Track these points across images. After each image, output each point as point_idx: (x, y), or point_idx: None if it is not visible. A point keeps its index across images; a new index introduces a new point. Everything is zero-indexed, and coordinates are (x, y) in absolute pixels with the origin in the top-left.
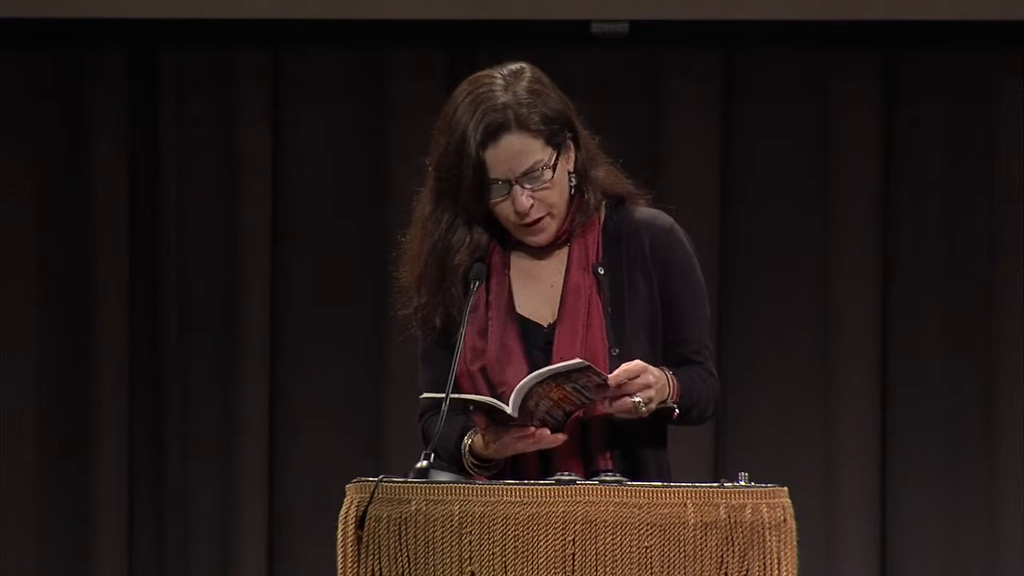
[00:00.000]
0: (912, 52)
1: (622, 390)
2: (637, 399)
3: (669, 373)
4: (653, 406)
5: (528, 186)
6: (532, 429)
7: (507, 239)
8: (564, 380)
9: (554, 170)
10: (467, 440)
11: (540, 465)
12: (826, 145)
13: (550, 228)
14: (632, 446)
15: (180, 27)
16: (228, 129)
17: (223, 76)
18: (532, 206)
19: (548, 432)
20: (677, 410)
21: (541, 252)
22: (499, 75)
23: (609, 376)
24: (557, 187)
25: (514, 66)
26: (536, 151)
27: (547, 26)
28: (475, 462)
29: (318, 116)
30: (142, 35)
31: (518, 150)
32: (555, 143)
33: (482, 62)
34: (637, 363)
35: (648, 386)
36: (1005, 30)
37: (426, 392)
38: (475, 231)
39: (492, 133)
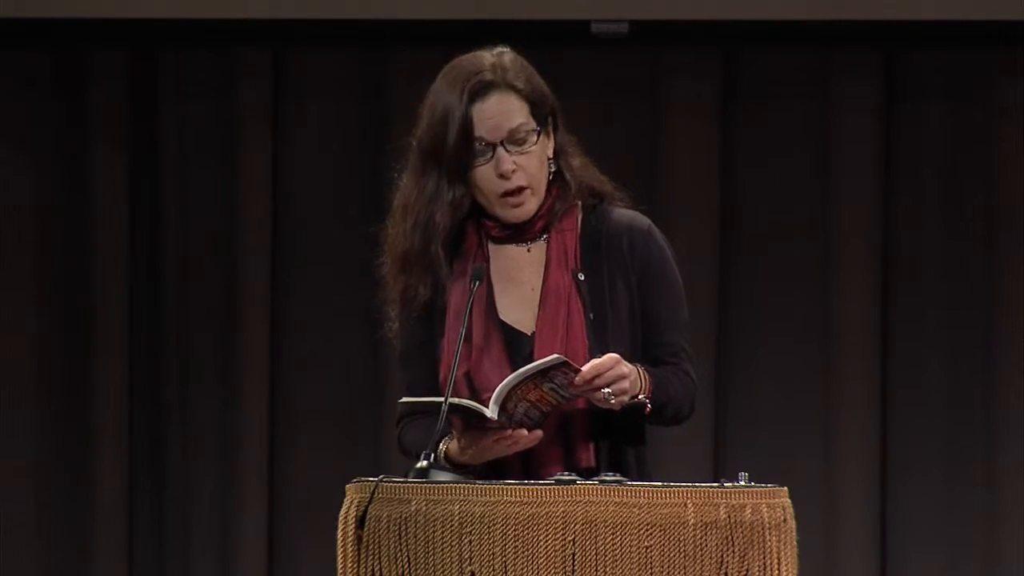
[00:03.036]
0: (912, 52)
1: (594, 384)
2: (607, 390)
3: (642, 369)
4: (626, 399)
5: (512, 148)
6: (509, 432)
7: (484, 238)
8: (542, 379)
9: (537, 137)
10: (443, 446)
11: (521, 462)
12: (826, 145)
13: (529, 203)
14: (613, 443)
15: (180, 27)
16: (228, 129)
17: (223, 76)
18: (514, 172)
19: (525, 433)
20: (649, 405)
21: (521, 252)
22: (483, 52)
23: (582, 369)
24: (538, 159)
25: (498, 48)
26: (522, 114)
27: (547, 26)
28: (451, 469)
29: (318, 116)
30: (142, 35)
31: (505, 109)
32: (539, 116)
33: None
34: (609, 357)
35: (622, 376)
36: (1005, 30)
37: (404, 397)
38: (457, 190)
39: (481, 90)
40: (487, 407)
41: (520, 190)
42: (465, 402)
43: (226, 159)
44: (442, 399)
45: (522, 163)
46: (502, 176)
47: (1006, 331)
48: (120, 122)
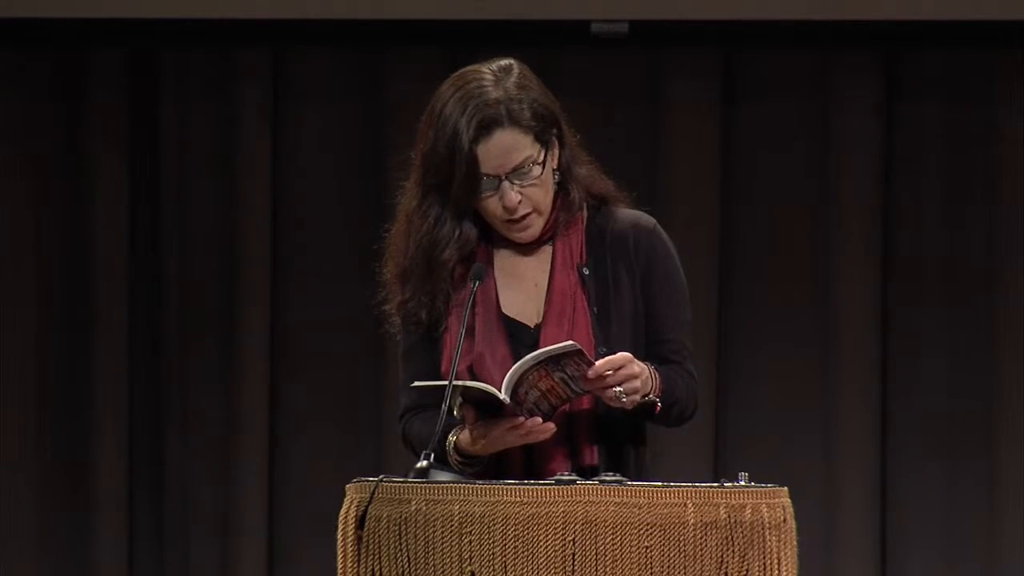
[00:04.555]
0: (912, 52)
1: (606, 380)
2: (618, 389)
3: (652, 368)
4: (637, 398)
5: (516, 182)
6: (522, 419)
7: (490, 236)
8: (554, 367)
9: (543, 167)
10: (452, 437)
11: (525, 461)
12: (826, 145)
13: (536, 225)
14: (616, 442)
15: (180, 27)
16: (228, 129)
17: (223, 76)
18: (520, 202)
19: (539, 421)
20: (659, 405)
21: (525, 250)
22: (488, 71)
23: (595, 364)
24: (544, 185)
25: (503, 62)
26: (526, 147)
27: (547, 26)
28: (460, 459)
29: (318, 116)
30: (142, 35)
31: (510, 146)
32: (543, 140)
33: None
34: (622, 355)
35: (634, 376)
36: (1005, 30)
37: (403, 393)
38: (464, 226)
39: (485, 128)
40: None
41: (525, 216)
42: (476, 384)
43: (226, 159)
44: (462, 382)
45: (528, 193)
46: (507, 209)
47: (1006, 331)
48: (120, 122)
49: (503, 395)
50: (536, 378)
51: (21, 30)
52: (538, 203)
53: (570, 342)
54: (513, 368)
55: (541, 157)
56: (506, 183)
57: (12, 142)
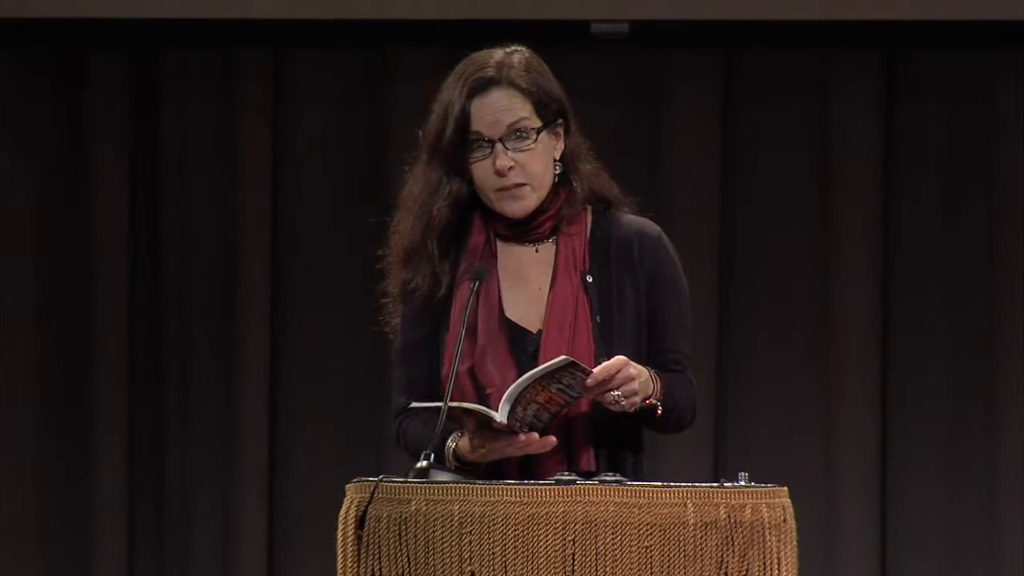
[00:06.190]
0: (912, 52)
1: (604, 386)
2: (617, 393)
3: (653, 372)
4: (637, 400)
5: (510, 146)
6: (522, 436)
7: (494, 229)
8: (549, 381)
9: (538, 135)
10: (451, 443)
11: (520, 466)
12: (826, 145)
13: (529, 199)
14: (613, 447)
15: (180, 27)
16: (228, 129)
17: (223, 76)
18: (512, 168)
19: (538, 437)
20: (660, 408)
21: (529, 251)
22: (496, 49)
23: (592, 371)
24: (540, 158)
25: (514, 46)
26: (523, 110)
27: (547, 26)
28: (458, 465)
29: (318, 116)
30: (142, 35)
31: (505, 105)
32: (544, 115)
33: None
34: (618, 359)
35: (631, 379)
36: (1005, 30)
37: (399, 391)
38: (455, 182)
39: (481, 86)
40: (492, 404)
41: (517, 186)
42: (474, 407)
43: (226, 159)
44: (459, 404)
45: (521, 160)
46: (498, 173)
47: (1006, 331)
48: (120, 122)
49: (499, 417)
50: (533, 393)
51: (21, 30)
52: (532, 175)
53: (563, 357)
54: (510, 389)
55: (538, 126)
56: (499, 146)
57: (13, 142)
